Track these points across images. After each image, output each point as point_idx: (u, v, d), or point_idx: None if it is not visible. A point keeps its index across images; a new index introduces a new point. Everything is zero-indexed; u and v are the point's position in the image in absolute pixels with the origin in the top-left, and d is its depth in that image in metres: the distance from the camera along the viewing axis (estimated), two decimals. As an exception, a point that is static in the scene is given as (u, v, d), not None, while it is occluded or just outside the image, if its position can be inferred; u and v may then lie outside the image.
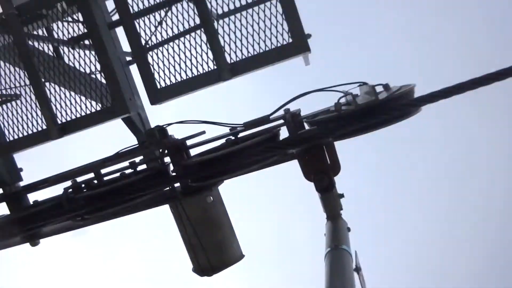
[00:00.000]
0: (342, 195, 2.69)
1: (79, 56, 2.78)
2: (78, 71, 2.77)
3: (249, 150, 2.63)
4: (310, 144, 2.54)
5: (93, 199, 2.81)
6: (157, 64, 2.62)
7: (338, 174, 2.58)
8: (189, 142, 2.87)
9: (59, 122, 2.77)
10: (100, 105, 2.74)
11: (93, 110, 2.75)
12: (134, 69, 2.83)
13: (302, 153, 2.58)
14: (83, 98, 2.76)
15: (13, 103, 2.91)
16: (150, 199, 2.84)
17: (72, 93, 2.79)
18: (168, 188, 2.83)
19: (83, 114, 2.77)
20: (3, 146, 2.95)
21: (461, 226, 13.81)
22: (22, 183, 3.44)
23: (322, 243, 2.61)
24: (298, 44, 2.44)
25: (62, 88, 2.78)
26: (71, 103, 2.78)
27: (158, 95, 2.65)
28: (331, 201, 2.59)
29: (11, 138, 2.95)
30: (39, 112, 2.81)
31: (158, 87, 2.64)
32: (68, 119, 2.78)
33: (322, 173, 2.51)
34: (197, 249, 2.82)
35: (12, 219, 3.14)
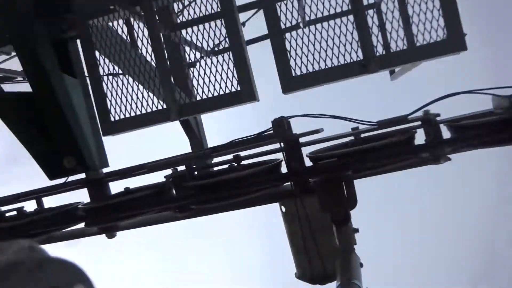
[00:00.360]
0: (356, 230, 2.60)
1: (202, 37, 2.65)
2: (205, 51, 2.63)
3: (381, 151, 2.46)
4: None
5: (202, 190, 2.61)
6: (295, 50, 2.47)
7: (354, 208, 2.51)
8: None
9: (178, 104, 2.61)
10: (223, 89, 2.58)
11: (215, 94, 2.59)
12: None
13: (319, 183, 2.50)
14: (206, 80, 2.60)
15: (125, 81, 2.76)
16: (264, 195, 2.64)
17: (194, 75, 2.64)
18: (286, 184, 2.63)
19: (204, 97, 2.62)
20: (109, 125, 2.77)
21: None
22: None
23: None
24: (454, 41, 2.31)
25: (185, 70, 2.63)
26: (192, 85, 2.63)
27: (292, 83, 2.49)
28: (345, 234, 2.50)
29: (118, 118, 2.77)
30: (156, 92, 2.65)
31: (293, 74, 2.48)
32: (187, 101, 2.62)
33: (338, 205, 2.45)
34: (311, 254, 2.60)
35: (101, 206, 2.92)
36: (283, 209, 2.68)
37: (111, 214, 2.84)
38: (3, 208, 3.38)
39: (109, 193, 3.20)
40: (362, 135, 2.64)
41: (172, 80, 2.63)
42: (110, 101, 2.75)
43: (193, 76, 2.62)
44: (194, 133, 3.80)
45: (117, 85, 2.74)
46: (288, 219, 2.66)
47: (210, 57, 2.69)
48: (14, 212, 3.41)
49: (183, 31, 2.73)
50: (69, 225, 3.09)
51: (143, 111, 2.69)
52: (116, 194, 3.06)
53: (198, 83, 2.60)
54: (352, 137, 2.66)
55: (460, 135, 2.39)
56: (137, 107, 2.69)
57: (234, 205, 2.68)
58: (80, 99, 3.00)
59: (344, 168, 2.47)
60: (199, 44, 2.67)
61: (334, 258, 2.57)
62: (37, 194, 3.33)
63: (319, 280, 2.60)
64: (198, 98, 2.61)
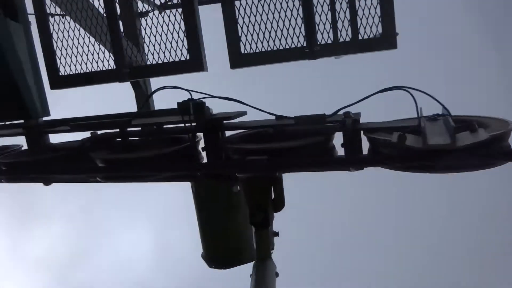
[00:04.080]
0: (277, 234, 2.47)
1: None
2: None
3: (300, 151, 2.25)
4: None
5: (113, 163, 2.54)
6: (247, 26, 2.54)
7: (281, 211, 2.35)
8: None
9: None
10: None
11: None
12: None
13: (246, 179, 2.32)
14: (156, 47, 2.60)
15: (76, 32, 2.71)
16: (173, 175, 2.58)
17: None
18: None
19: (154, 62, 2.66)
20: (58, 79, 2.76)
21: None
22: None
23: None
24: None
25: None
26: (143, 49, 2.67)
27: (240, 60, 2.57)
28: (264, 238, 2.34)
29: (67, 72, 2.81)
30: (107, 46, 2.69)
31: (242, 51, 2.56)
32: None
33: (260, 206, 2.27)
34: (213, 237, 2.56)
35: (30, 161, 2.90)
36: (194, 190, 2.61)
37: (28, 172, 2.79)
38: None
39: (47, 141, 3.21)
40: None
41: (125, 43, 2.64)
42: (59, 55, 2.76)
43: (144, 41, 2.59)
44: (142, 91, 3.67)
45: (68, 36, 2.71)
46: (196, 200, 2.60)
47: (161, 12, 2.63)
48: None
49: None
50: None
51: (93, 68, 2.73)
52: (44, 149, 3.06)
53: (149, 49, 2.61)
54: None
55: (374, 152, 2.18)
56: (87, 62, 2.72)
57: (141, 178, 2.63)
58: (22, 45, 2.96)
59: (274, 168, 2.22)
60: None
61: (234, 244, 2.53)
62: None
63: (218, 264, 2.57)
64: (149, 62, 2.67)
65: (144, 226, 12.70)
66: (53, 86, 2.76)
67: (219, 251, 2.56)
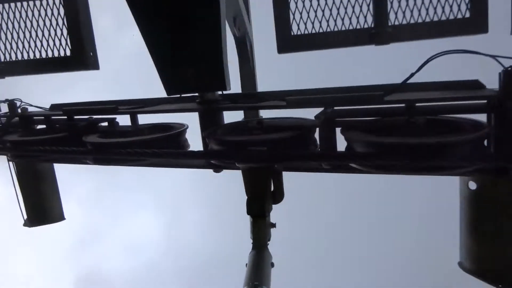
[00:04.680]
0: (274, 225, 2.46)
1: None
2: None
3: None
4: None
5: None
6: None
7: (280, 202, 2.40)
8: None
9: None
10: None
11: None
12: None
13: (247, 169, 2.30)
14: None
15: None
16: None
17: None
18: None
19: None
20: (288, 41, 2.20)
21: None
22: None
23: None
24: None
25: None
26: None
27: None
28: (261, 229, 2.36)
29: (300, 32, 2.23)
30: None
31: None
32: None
33: (257, 197, 2.31)
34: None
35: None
36: (472, 187, 2.09)
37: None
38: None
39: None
40: None
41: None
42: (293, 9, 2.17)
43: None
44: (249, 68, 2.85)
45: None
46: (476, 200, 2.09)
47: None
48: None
49: None
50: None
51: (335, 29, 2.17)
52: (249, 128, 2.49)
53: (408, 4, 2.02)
54: None
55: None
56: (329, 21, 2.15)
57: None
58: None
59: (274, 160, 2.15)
60: None
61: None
62: (134, 109, 2.78)
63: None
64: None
65: (155, 209, 12.56)
66: (282, 50, 2.16)
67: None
